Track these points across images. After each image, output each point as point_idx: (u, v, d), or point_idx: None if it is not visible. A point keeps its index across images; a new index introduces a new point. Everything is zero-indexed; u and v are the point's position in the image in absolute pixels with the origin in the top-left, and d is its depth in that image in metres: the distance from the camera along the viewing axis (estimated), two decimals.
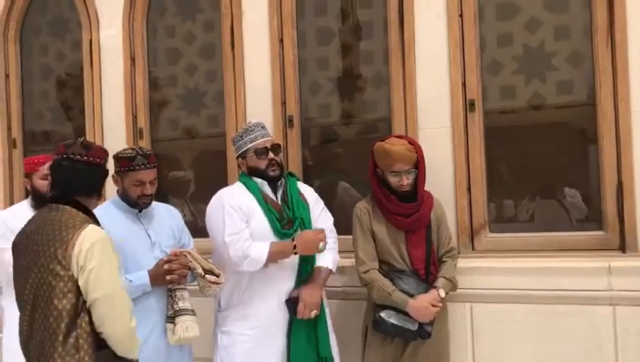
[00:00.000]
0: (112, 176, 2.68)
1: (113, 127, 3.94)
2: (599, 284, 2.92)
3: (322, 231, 2.80)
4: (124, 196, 2.71)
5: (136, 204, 2.69)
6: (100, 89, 4.01)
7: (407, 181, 2.81)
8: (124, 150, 2.74)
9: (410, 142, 2.85)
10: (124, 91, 3.94)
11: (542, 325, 3.00)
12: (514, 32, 3.26)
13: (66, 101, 4.28)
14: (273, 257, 2.73)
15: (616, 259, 2.95)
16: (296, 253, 2.75)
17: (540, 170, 3.26)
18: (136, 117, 3.93)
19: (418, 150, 2.85)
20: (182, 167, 4.01)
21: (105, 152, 2.33)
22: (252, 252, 2.70)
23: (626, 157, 2.98)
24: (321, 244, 2.75)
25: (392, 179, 2.83)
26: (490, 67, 3.29)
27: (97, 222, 2.17)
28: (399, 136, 2.97)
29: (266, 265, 2.72)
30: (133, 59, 3.94)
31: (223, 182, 3.60)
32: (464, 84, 3.25)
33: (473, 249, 3.22)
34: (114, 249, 2.12)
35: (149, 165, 2.69)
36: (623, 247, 3.00)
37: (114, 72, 3.97)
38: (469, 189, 3.24)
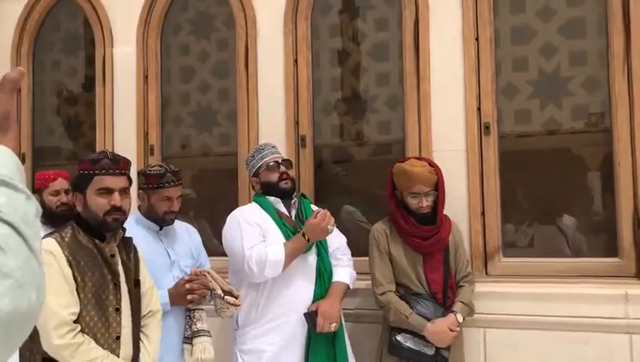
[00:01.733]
0: (138, 193, 2.67)
1: (124, 143, 3.92)
2: (616, 312, 2.89)
3: (324, 211, 2.77)
4: (148, 212, 2.71)
5: (162, 220, 2.68)
6: (111, 105, 4.00)
7: (426, 203, 2.79)
8: (152, 166, 2.76)
9: (430, 164, 2.84)
10: (136, 108, 3.94)
11: (556, 352, 2.96)
12: (529, 56, 3.27)
13: (77, 117, 4.28)
14: (290, 254, 2.71)
15: (633, 287, 2.92)
16: (309, 241, 2.74)
17: (554, 195, 3.24)
18: (147, 134, 3.92)
19: (438, 172, 2.84)
20: (193, 185, 3.99)
21: (129, 163, 2.33)
22: (269, 255, 2.68)
23: None
24: (330, 226, 2.75)
25: (411, 201, 2.81)
26: (505, 91, 3.29)
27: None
28: (419, 158, 2.96)
29: (286, 265, 2.70)
30: (146, 77, 3.94)
31: (233, 201, 3.58)
32: (479, 108, 3.25)
33: (487, 273, 3.19)
34: (57, 264, 2.06)
35: (177, 182, 2.71)
36: (638, 275, 2.97)
37: (126, 89, 3.97)
38: (482, 213, 3.22)
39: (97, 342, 2.09)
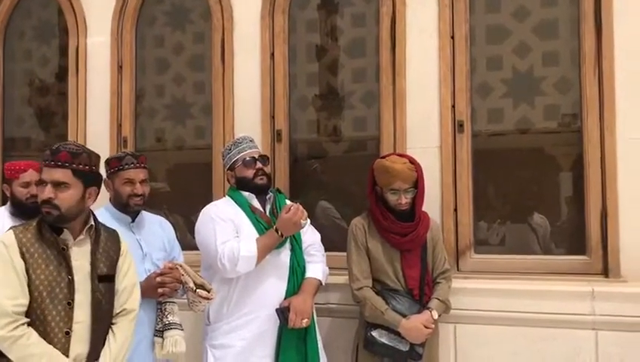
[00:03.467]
0: (104, 181, 2.65)
1: (97, 135, 3.87)
2: (583, 308, 2.95)
3: (296, 206, 2.76)
4: (115, 200, 2.70)
5: (127, 205, 2.65)
6: (84, 96, 3.94)
7: (405, 200, 2.81)
8: (115, 154, 2.75)
9: (410, 161, 2.85)
10: (110, 99, 3.88)
11: (525, 347, 3.01)
12: (504, 55, 3.31)
13: (49, 107, 4.20)
14: (263, 249, 2.70)
15: (600, 284, 2.99)
16: (282, 236, 2.73)
17: (525, 194, 3.30)
18: (121, 125, 3.88)
19: (418, 169, 2.86)
20: (167, 178, 3.96)
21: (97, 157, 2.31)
22: (242, 251, 2.67)
23: (611, 184, 3.04)
24: (302, 220, 2.74)
25: (391, 197, 2.83)
26: (479, 89, 3.33)
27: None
28: (400, 155, 2.97)
29: (259, 261, 2.70)
30: (120, 67, 3.89)
31: (208, 195, 3.57)
32: (454, 106, 3.28)
33: (458, 269, 3.23)
34: (9, 256, 2.07)
35: (138, 164, 2.71)
36: (605, 272, 3.04)
37: (100, 80, 3.91)
38: (455, 210, 3.26)
39: (47, 336, 2.06)
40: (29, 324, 2.06)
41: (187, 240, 3.46)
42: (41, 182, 2.19)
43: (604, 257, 3.04)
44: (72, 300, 2.10)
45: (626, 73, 3.04)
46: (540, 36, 3.25)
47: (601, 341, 2.92)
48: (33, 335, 2.04)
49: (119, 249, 2.31)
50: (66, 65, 4.02)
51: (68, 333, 2.09)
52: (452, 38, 3.29)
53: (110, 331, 2.22)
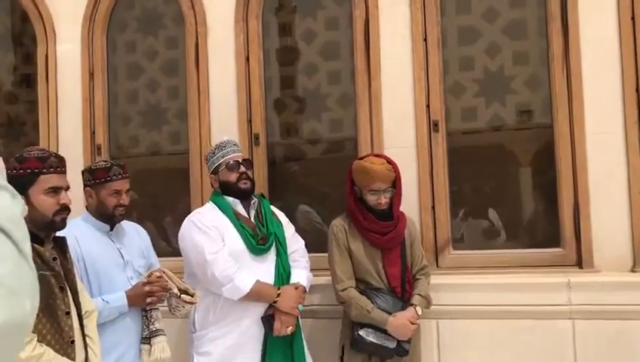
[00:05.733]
0: (85, 191, 2.61)
1: (69, 143, 3.81)
2: (559, 299, 3.04)
3: (303, 291, 2.81)
4: (98, 210, 2.65)
5: (113, 216, 2.63)
6: (55, 104, 3.87)
7: (384, 200, 2.86)
8: (96, 162, 2.71)
9: (388, 162, 2.90)
10: (82, 106, 3.83)
11: (505, 340, 3.09)
12: (475, 56, 3.39)
13: (19, 116, 4.12)
14: (254, 294, 2.71)
15: (575, 275, 3.09)
16: (274, 303, 2.74)
17: (500, 189, 3.39)
18: (94, 133, 3.83)
19: (396, 169, 2.91)
20: (141, 184, 3.91)
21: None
22: (237, 279, 2.68)
23: (582, 178, 3.14)
24: (300, 305, 2.78)
25: (371, 198, 2.87)
26: (452, 89, 3.40)
27: None
28: (378, 155, 3.03)
29: (244, 298, 2.71)
30: (91, 74, 3.84)
31: (186, 201, 3.56)
32: (428, 106, 3.35)
33: (437, 266, 3.30)
34: None
35: (124, 175, 2.68)
36: (580, 263, 3.14)
37: (71, 87, 3.85)
38: (433, 208, 3.33)
39: (53, 348, 2.02)
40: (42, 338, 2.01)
41: (161, 246, 3.45)
42: (55, 190, 2.12)
43: (577, 249, 3.15)
44: (70, 309, 2.09)
45: (592, 70, 3.15)
46: (509, 36, 3.35)
47: (578, 330, 3.02)
48: (50, 349, 2.00)
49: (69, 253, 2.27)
50: (34, 72, 3.95)
51: (73, 342, 2.07)
52: (425, 40, 3.36)
53: (86, 336, 2.19)
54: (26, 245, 0.74)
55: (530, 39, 3.34)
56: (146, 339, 2.56)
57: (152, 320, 2.59)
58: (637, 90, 3.08)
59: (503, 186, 3.42)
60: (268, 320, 2.73)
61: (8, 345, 0.67)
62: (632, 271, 3.06)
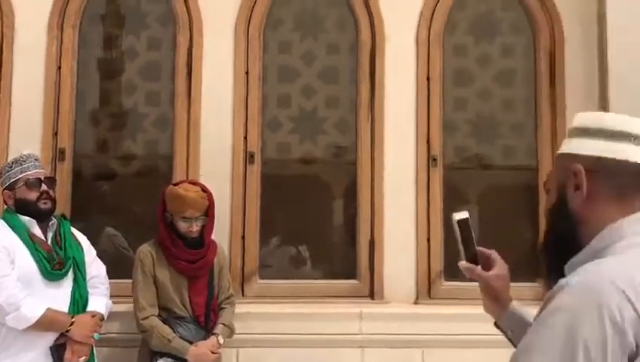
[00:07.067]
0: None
1: None
2: (352, 328, 3.27)
3: (101, 319, 2.71)
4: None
5: None
6: None
7: (196, 228, 2.86)
8: None
9: (203, 190, 2.92)
10: None
11: None
12: (292, 94, 3.57)
13: None
14: (45, 322, 2.55)
15: (367, 306, 3.35)
16: (67, 331, 2.60)
17: (310, 220, 3.58)
18: None
19: (210, 197, 2.93)
20: None
21: None
22: (24, 306, 2.49)
23: (378, 215, 3.44)
24: (96, 334, 2.68)
25: (182, 225, 2.86)
26: (270, 124, 3.54)
27: None
28: (193, 183, 3.02)
29: (33, 327, 2.52)
30: None
31: None
32: (246, 137, 3.44)
33: (243, 295, 3.36)
34: None
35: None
36: (372, 295, 3.42)
37: None
38: (243, 237, 3.40)
39: None
40: None
41: None
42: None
43: (371, 281, 3.43)
44: None
45: (393, 116, 3.48)
46: (324, 80, 3.58)
47: (366, 357, 3.27)
48: None
49: None
50: None
51: None
52: (246, 73, 3.46)
53: None
54: None
55: (342, 85, 3.61)
56: None
57: None
58: (427, 141, 3.46)
59: (313, 218, 3.61)
60: (57, 349, 2.58)
61: None
62: (415, 303, 3.40)
